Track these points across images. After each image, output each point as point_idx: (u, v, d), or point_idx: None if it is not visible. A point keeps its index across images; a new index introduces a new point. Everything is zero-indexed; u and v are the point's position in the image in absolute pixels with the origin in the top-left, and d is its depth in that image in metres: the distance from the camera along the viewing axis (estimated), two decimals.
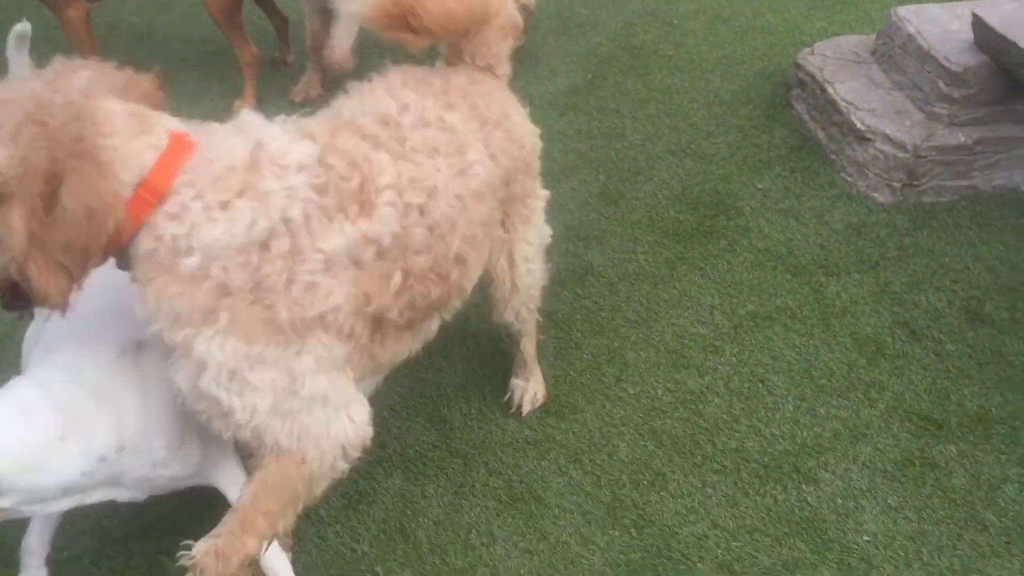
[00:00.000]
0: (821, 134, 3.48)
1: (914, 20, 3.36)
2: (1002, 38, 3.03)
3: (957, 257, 2.98)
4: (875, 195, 3.23)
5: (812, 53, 3.65)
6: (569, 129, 3.62)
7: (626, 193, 3.30)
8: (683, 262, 3.01)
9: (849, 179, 3.31)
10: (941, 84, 3.16)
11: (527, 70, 3.96)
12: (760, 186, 3.32)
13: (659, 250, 3.05)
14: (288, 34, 4.05)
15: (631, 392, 2.56)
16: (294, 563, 2.00)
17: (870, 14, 4.29)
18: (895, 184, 3.21)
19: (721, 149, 3.51)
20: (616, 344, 2.71)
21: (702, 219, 3.18)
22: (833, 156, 3.40)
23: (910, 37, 3.31)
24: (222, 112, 3.48)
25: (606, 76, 3.95)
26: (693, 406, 2.52)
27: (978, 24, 3.12)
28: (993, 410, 2.47)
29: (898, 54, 3.38)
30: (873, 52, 3.55)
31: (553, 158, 3.44)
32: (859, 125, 3.25)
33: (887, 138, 3.19)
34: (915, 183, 3.20)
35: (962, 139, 3.16)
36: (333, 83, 3.37)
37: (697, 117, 3.69)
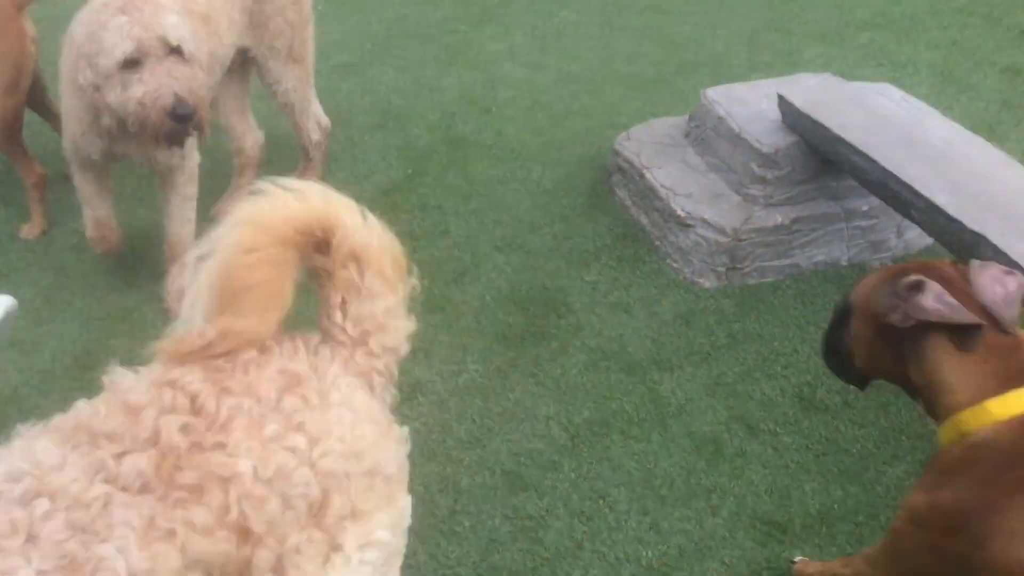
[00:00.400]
0: (644, 220, 3.45)
1: (723, 101, 3.39)
2: (807, 117, 3.08)
3: (786, 340, 2.97)
4: (701, 281, 3.21)
5: (628, 138, 3.64)
6: (392, 230, 3.46)
7: (452, 297, 3.16)
8: (515, 369, 2.88)
9: (675, 266, 3.28)
10: (754, 166, 3.18)
11: (343, 168, 3.81)
12: (588, 279, 3.25)
13: (490, 358, 2.92)
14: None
15: (467, 525, 2.39)
16: None
17: (685, 94, 4.34)
18: (719, 269, 3.19)
19: (547, 241, 3.43)
20: (449, 470, 2.54)
21: (532, 319, 3.07)
22: (658, 243, 3.37)
23: (720, 119, 3.33)
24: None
25: (427, 171, 3.83)
26: (533, 534, 2.37)
27: (784, 104, 3.16)
28: (835, 507, 2.43)
29: (711, 136, 3.40)
30: (687, 135, 3.56)
31: None
32: (679, 211, 3.23)
33: (707, 223, 3.18)
34: (738, 266, 3.19)
35: (780, 219, 3.18)
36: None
37: (521, 209, 3.61)
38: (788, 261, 3.24)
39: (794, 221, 3.18)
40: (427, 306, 3.09)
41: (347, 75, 4.52)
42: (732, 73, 4.44)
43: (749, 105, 3.35)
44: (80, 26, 2.63)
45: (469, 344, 2.97)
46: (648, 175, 3.41)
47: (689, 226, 3.21)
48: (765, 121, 3.24)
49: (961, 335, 1.65)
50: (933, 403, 1.73)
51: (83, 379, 2.81)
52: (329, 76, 4.37)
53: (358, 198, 3.62)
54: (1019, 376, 1.62)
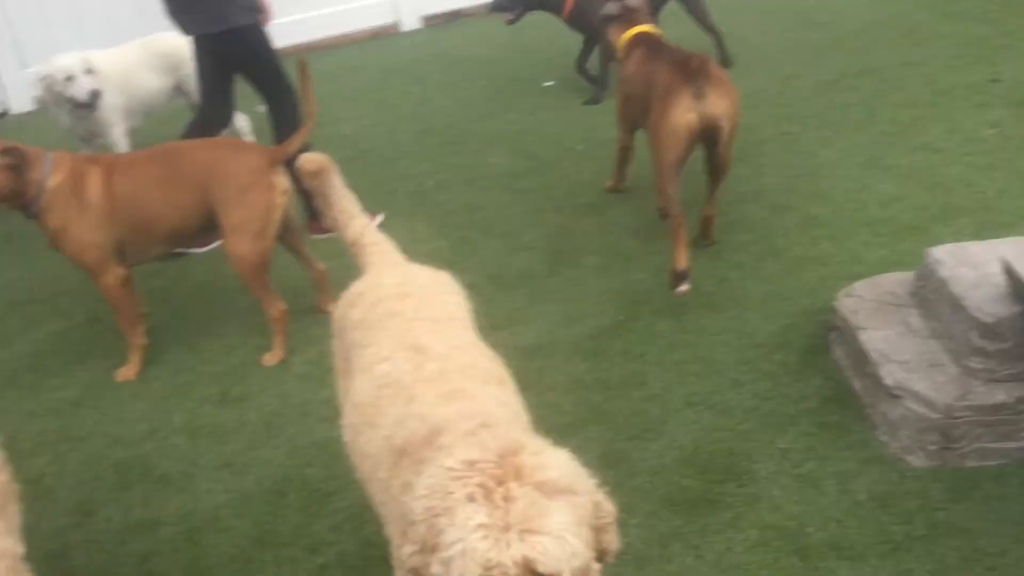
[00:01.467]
0: (857, 385, 3.18)
1: (949, 261, 3.07)
2: None
3: (996, 538, 2.57)
4: (909, 458, 2.88)
5: (849, 294, 3.39)
6: (588, 377, 3.47)
7: (631, 454, 3.07)
8: (678, 539, 2.73)
9: (883, 439, 2.97)
10: (974, 336, 2.83)
11: (559, 311, 3.88)
12: (781, 445, 3.03)
13: (654, 523, 2.79)
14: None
15: None
16: None
17: (943, 241, 3.98)
18: (931, 447, 2.85)
19: (746, 400, 3.26)
20: None
21: (709, 485, 2.91)
22: (868, 411, 3.08)
23: (942, 281, 3.02)
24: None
25: (639, 317, 3.80)
26: None
27: (1009, 272, 2.81)
28: None
29: (933, 299, 3.08)
30: (913, 294, 3.26)
31: (564, 411, 3.30)
32: (887, 380, 2.94)
33: (917, 396, 2.86)
34: (953, 446, 2.83)
35: (1003, 397, 2.79)
36: None
37: (727, 362, 3.46)
38: (1015, 444, 2.82)
39: (1020, 400, 2.77)
40: (603, 461, 3.04)
41: (589, 212, 4.65)
42: (998, 222, 4.01)
43: (978, 267, 3.00)
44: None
45: (636, 506, 2.86)
46: (862, 336, 3.15)
47: (897, 397, 2.90)
48: (990, 287, 2.89)
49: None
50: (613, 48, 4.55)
51: (276, 504, 3.06)
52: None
53: (566, 342, 3.67)
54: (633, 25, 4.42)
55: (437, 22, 9.35)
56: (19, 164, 3.45)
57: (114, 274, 3.69)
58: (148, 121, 5.89)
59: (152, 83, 5.70)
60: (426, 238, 4.66)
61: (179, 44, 5.66)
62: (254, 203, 3.59)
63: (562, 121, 6.04)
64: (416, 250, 4.49)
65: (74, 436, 3.53)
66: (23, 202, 3.55)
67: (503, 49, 8.02)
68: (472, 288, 4.07)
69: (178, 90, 5.85)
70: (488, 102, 6.66)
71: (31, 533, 3.00)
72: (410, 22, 9.26)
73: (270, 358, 3.80)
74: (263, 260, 3.69)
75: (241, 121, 6.03)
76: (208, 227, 3.74)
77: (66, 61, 5.18)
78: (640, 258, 4.21)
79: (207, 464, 3.28)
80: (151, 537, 2.97)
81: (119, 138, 5.56)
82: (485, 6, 8.39)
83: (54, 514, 3.13)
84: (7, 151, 3.43)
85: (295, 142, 3.74)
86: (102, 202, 3.57)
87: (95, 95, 5.14)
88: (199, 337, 4.09)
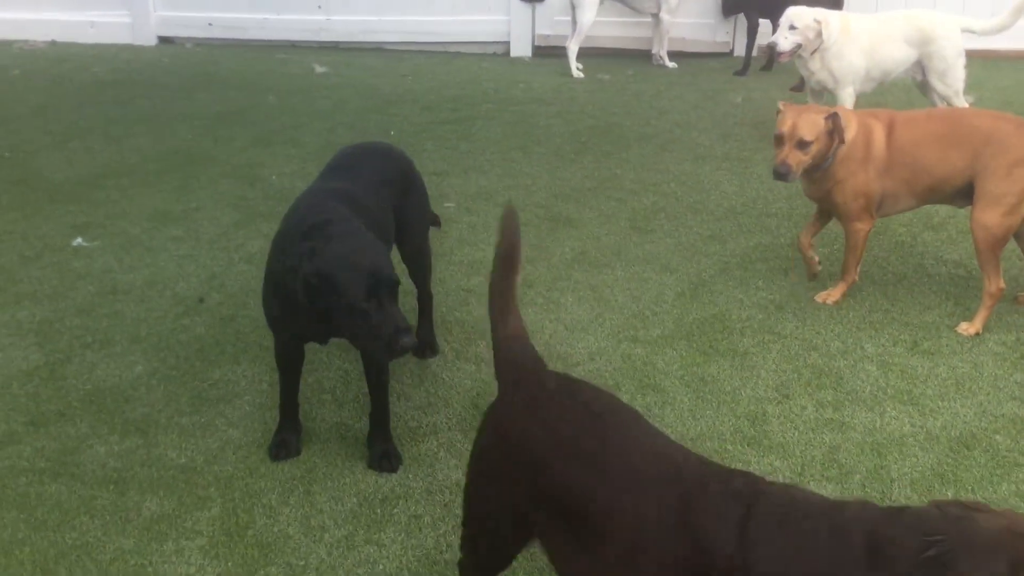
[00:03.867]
0: None
1: None
2: None
3: None
4: None
5: None
6: None
7: None
8: None
9: None
10: None
11: None
12: None
13: None
14: None
15: None
16: None
17: None
18: None
19: None
20: None
21: None
22: None
23: None
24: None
25: None
26: None
27: None
28: None
29: None
30: None
31: None
32: None
33: None
34: None
35: None
36: None
37: None
38: None
39: None
40: None
41: None
42: None
43: None
44: None
45: None
46: None
47: None
48: None
49: None
50: None
51: (960, 453, 3.20)
52: None
53: None
54: None
55: None
56: (837, 128, 3.85)
57: (867, 223, 4.04)
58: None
59: (898, 53, 5.97)
60: None
61: (935, 20, 5.86)
62: (1020, 178, 3.67)
63: None
64: None
65: (776, 331, 4.00)
66: (822, 159, 3.94)
67: None
68: None
69: (917, 66, 6.06)
70: None
71: (735, 396, 3.53)
72: None
73: (968, 328, 3.90)
74: (1005, 235, 3.78)
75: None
76: (960, 192, 3.91)
77: (790, 12, 5.93)
78: None
79: (893, 396, 3.52)
80: (839, 435, 3.30)
81: (847, 98, 5.95)
82: None
83: (755, 386, 3.61)
84: (830, 117, 3.85)
85: None
86: (883, 155, 3.91)
87: (794, 49, 5.89)
88: (895, 288, 4.34)
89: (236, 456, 3.27)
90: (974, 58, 6.64)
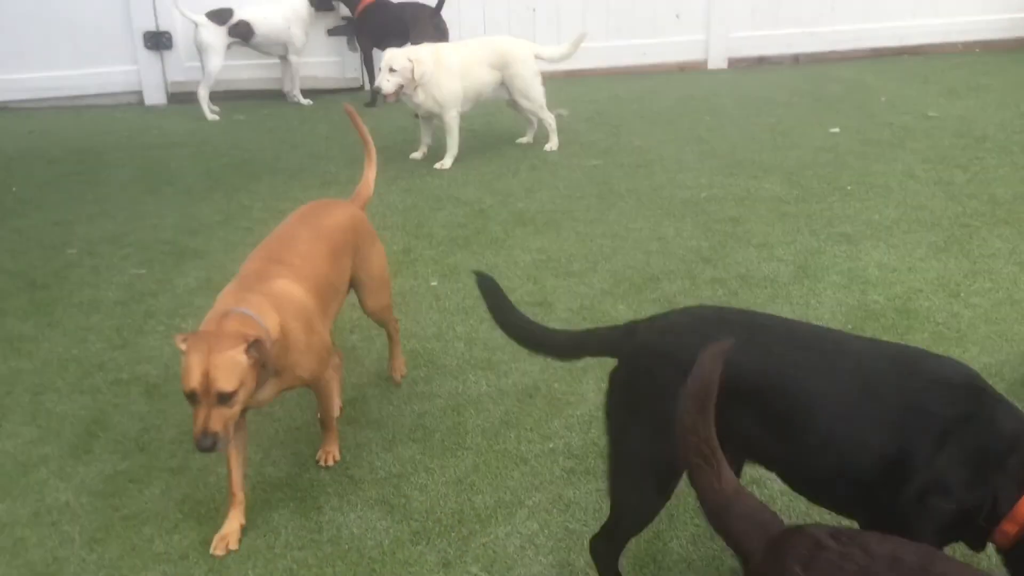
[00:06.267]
0: None
1: None
2: None
3: None
4: None
5: None
6: None
7: None
8: None
9: None
10: None
11: (795, 313, 4.35)
12: None
13: None
14: None
15: None
16: None
17: None
18: None
19: None
20: None
21: None
22: None
23: None
24: None
25: (865, 332, 4.20)
26: None
27: None
28: None
29: None
30: None
31: None
32: None
33: None
34: None
35: None
36: None
37: None
38: None
39: None
40: None
41: (841, 241, 5.07)
42: None
43: None
44: None
45: None
46: None
47: None
48: None
49: None
50: None
51: (525, 402, 3.79)
52: None
53: None
54: None
55: (742, 64, 9.93)
56: (264, 353, 2.84)
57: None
58: None
59: (486, 76, 6.76)
60: (689, 237, 5.28)
61: (511, 45, 6.72)
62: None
63: (839, 162, 6.45)
64: (679, 245, 5.16)
65: (378, 329, 4.46)
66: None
67: (799, 95, 8.48)
68: (718, 282, 4.68)
69: (504, 87, 6.86)
70: (773, 138, 7.18)
71: (344, 386, 3.93)
72: (717, 62, 9.89)
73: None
74: None
75: None
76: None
77: (387, 56, 6.66)
78: (882, 286, 4.59)
79: (476, 364, 4.07)
80: (427, 403, 3.79)
81: (452, 120, 6.61)
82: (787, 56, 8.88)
83: (359, 375, 4.04)
84: (252, 345, 2.78)
85: None
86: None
87: (397, 90, 6.29)
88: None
89: None
90: (566, 78, 7.60)
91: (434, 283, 4.90)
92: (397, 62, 6.50)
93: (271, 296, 2.99)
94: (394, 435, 3.59)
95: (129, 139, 8.07)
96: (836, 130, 7.26)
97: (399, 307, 4.60)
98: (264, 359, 2.81)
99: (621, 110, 8.38)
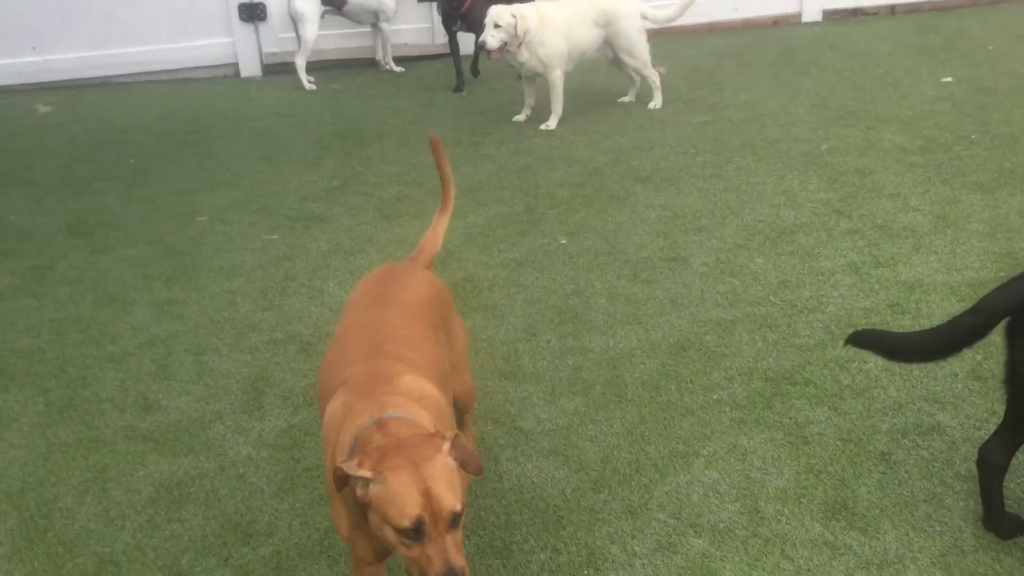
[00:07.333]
0: None
1: None
2: None
3: None
4: None
5: None
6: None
7: None
8: None
9: None
10: None
11: (939, 260, 4.28)
12: None
13: None
14: None
15: None
16: None
17: None
18: None
19: None
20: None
21: None
22: None
23: None
24: None
25: None
26: None
27: None
28: None
29: None
30: None
31: None
32: None
33: None
34: None
35: None
36: None
37: None
38: None
39: None
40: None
41: (977, 189, 4.96)
42: None
43: None
44: None
45: None
46: None
47: None
48: None
49: None
50: None
51: (679, 355, 3.79)
52: None
53: (940, 283, 4.06)
54: None
55: (837, 16, 9.72)
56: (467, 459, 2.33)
57: None
58: None
59: (590, 34, 6.73)
60: (816, 190, 5.21)
61: (616, 3, 6.67)
62: None
63: (957, 111, 6.29)
64: (806, 199, 5.11)
65: (519, 283, 4.49)
66: None
67: (901, 46, 8.28)
68: (856, 233, 4.62)
69: (608, 45, 6.80)
70: (883, 88, 7.03)
71: (491, 342, 3.98)
72: (811, 14, 9.70)
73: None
74: None
75: None
76: None
77: (492, 12, 6.56)
78: None
79: (622, 319, 4.08)
80: (581, 357, 3.82)
81: (557, 79, 6.58)
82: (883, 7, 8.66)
83: (507, 331, 4.07)
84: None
85: None
86: None
87: (502, 47, 6.37)
88: (615, 234, 4.94)
89: (23, 472, 3.33)
90: (658, 35, 7.53)
91: (563, 241, 4.91)
92: (503, 18, 6.48)
93: (409, 395, 2.27)
94: (553, 388, 3.62)
95: (233, 110, 8.19)
96: (949, 79, 7.09)
97: (532, 264, 4.66)
98: (466, 461, 2.08)
99: (720, 66, 8.27)
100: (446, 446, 2.03)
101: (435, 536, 1.97)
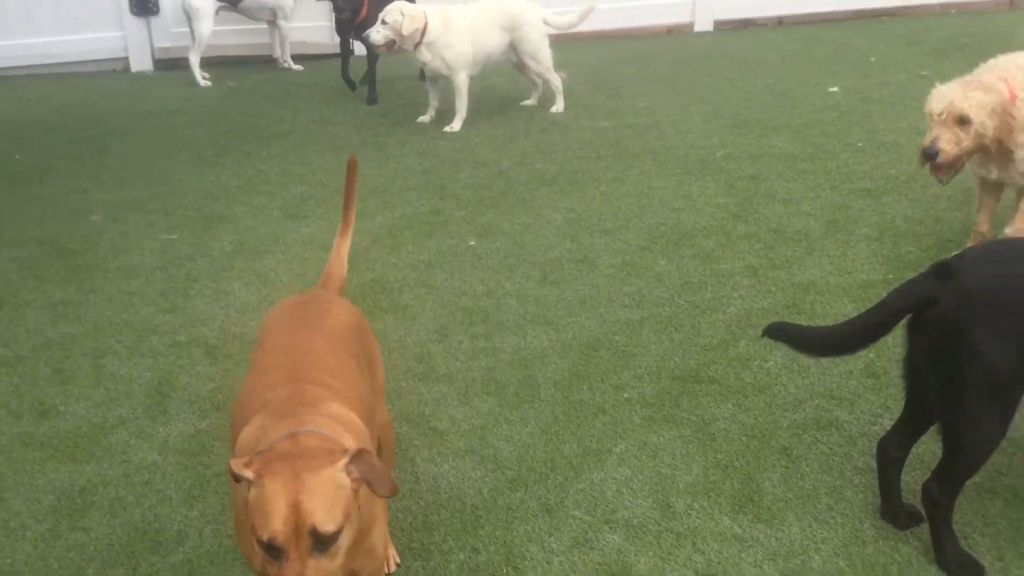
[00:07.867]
0: None
1: None
2: None
3: None
4: None
5: None
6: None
7: None
8: None
9: None
10: None
11: (831, 263, 4.47)
12: None
13: None
14: None
15: None
16: None
17: None
18: None
19: None
20: None
21: None
22: None
23: None
24: None
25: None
26: None
27: None
28: None
29: None
30: None
31: None
32: None
33: None
34: None
35: None
36: None
37: None
38: None
39: None
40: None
41: (865, 196, 5.20)
42: None
43: None
44: None
45: None
46: None
47: None
48: None
49: None
50: None
51: (590, 355, 3.86)
52: None
53: (834, 285, 4.24)
54: None
55: (728, 27, 10.04)
56: None
57: None
58: None
59: (496, 37, 6.77)
60: (714, 195, 5.38)
61: (522, 8, 6.71)
62: None
63: (844, 120, 6.59)
64: (704, 203, 5.26)
65: (429, 284, 4.49)
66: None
67: (790, 56, 8.61)
68: (753, 237, 4.78)
69: (512, 48, 6.86)
70: (773, 97, 7.30)
71: (402, 343, 3.97)
72: (703, 24, 9.99)
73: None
74: None
75: None
76: None
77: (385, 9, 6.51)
78: (912, 237, 4.72)
79: (533, 320, 4.13)
80: (493, 358, 3.85)
81: (462, 82, 6.59)
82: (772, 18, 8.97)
83: (418, 332, 4.07)
84: None
85: None
86: None
87: (389, 43, 6.52)
88: (523, 235, 4.99)
89: None
90: (555, 42, 7.63)
91: (472, 242, 4.93)
92: (390, 15, 6.45)
93: (336, 419, 2.11)
94: (467, 388, 3.64)
95: (126, 106, 7.94)
96: (835, 89, 7.40)
97: (441, 265, 4.67)
98: (373, 480, 1.87)
99: (617, 72, 8.44)
100: (343, 460, 1.83)
101: (293, 557, 1.75)
